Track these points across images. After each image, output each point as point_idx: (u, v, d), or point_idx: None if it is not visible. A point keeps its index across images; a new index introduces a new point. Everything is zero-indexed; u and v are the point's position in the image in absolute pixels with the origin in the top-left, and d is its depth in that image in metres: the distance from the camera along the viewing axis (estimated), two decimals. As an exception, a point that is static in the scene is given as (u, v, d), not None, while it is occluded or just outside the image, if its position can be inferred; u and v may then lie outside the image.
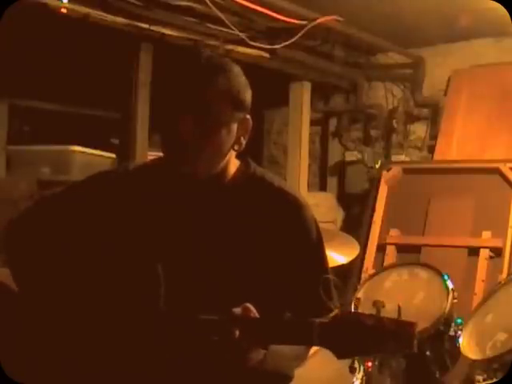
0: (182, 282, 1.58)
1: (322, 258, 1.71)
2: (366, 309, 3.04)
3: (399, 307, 1.42)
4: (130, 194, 1.69)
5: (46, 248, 1.69)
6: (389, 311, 2.68)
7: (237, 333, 1.41)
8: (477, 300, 3.51)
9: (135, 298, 1.55)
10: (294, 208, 1.66)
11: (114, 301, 1.57)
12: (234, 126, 1.59)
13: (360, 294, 3.21)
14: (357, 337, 1.36)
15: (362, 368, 2.78)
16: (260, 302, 1.49)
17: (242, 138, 1.62)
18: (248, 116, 1.63)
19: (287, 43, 4.01)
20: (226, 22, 3.63)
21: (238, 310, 1.45)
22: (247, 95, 1.62)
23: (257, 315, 1.47)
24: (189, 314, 1.49)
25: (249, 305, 1.46)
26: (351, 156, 5.20)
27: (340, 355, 1.39)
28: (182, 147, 1.54)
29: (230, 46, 3.89)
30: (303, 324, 1.44)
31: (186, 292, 1.57)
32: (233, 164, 1.67)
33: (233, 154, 1.65)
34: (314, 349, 2.29)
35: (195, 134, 1.53)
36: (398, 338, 1.33)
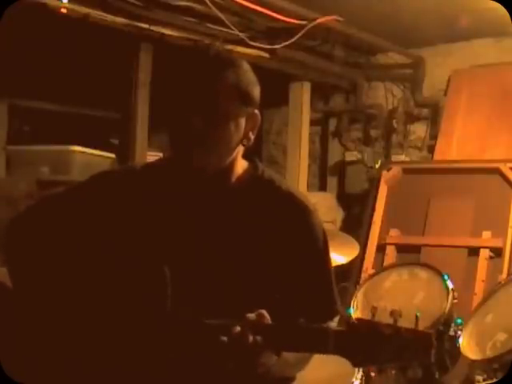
0: (188, 283, 1.57)
1: (328, 264, 1.71)
2: (366, 309, 3.04)
3: (417, 317, 1.42)
4: (136, 194, 1.69)
5: (49, 248, 1.69)
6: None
7: (250, 338, 1.40)
8: (477, 300, 3.51)
9: (141, 298, 1.54)
10: (302, 213, 1.67)
11: (119, 302, 1.56)
12: (243, 121, 1.60)
13: (360, 294, 3.21)
14: (373, 346, 1.35)
15: (361, 368, 2.78)
16: (267, 304, 1.49)
17: (250, 133, 1.63)
18: (257, 111, 1.63)
19: (287, 43, 4.01)
20: (226, 22, 3.63)
21: (252, 316, 1.44)
22: (256, 90, 1.63)
23: (270, 322, 1.46)
24: (198, 317, 1.48)
25: (263, 311, 1.46)
26: (351, 156, 5.20)
27: (356, 364, 1.39)
28: (191, 141, 1.55)
29: (229, 46, 3.89)
30: (319, 331, 1.43)
31: (193, 293, 1.56)
32: (240, 163, 1.67)
33: (240, 150, 1.65)
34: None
35: (204, 128, 1.54)
36: (415, 348, 1.33)
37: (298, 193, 1.72)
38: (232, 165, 1.64)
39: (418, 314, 1.42)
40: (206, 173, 1.60)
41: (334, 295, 1.69)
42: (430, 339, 1.34)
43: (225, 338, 1.42)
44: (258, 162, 1.72)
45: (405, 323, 1.75)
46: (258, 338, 1.41)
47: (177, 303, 1.52)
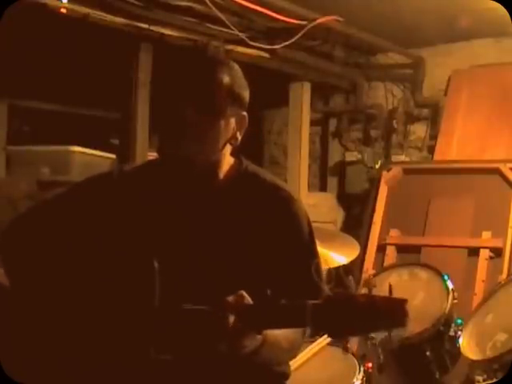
0: (177, 276, 1.59)
1: (313, 250, 1.76)
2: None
3: (390, 286, 1.44)
4: (127, 195, 1.73)
5: (44, 249, 1.71)
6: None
7: (231, 319, 1.43)
8: (477, 300, 3.51)
9: (131, 294, 1.56)
10: (285, 202, 1.73)
11: (112, 300, 1.58)
12: (233, 121, 1.67)
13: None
14: (350, 316, 1.37)
15: (362, 368, 2.79)
16: (255, 294, 1.51)
17: (238, 134, 1.69)
18: (245, 113, 1.70)
19: (287, 43, 4.01)
20: (226, 22, 3.63)
21: (231, 298, 1.47)
22: (246, 94, 1.70)
23: (250, 302, 1.49)
24: (182, 306, 1.50)
25: (242, 292, 1.49)
26: (351, 156, 5.19)
27: (334, 335, 1.41)
28: (181, 132, 1.60)
29: (230, 46, 3.88)
30: (296, 306, 1.45)
31: (181, 286, 1.58)
32: (227, 161, 1.73)
33: (228, 149, 1.71)
34: (313, 350, 2.31)
35: (196, 121, 1.59)
36: (391, 315, 1.35)
37: (281, 183, 1.79)
38: (219, 162, 1.70)
39: (390, 283, 1.43)
40: (193, 168, 1.63)
41: (320, 282, 1.72)
42: (404, 306, 1.35)
43: (206, 322, 1.45)
44: (242, 158, 1.77)
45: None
46: (238, 319, 1.43)
47: (166, 296, 1.54)
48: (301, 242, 1.73)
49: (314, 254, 1.75)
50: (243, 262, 1.65)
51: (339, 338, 1.39)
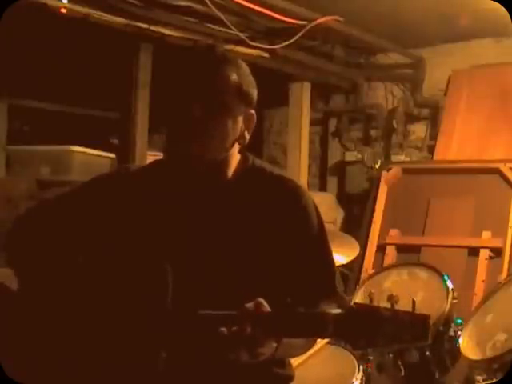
0: (189, 277, 1.59)
1: (325, 242, 1.75)
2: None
3: (413, 301, 1.44)
4: (134, 195, 1.71)
5: (50, 250, 1.71)
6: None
7: (248, 329, 1.42)
8: (477, 300, 3.51)
9: (142, 296, 1.55)
10: (294, 194, 1.72)
11: (120, 301, 1.57)
12: (240, 119, 1.66)
13: (359, 294, 3.21)
14: (372, 329, 1.37)
15: (361, 368, 2.79)
16: (268, 292, 1.51)
17: (246, 133, 1.68)
18: (253, 111, 1.69)
19: (287, 43, 4.01)
20: (226, 22, 3.62)
21: (250, 306, 1.46)
22: (254, 92, 1.70)
23: (269, 310, 1.48)
24: (198, 310, 1.49)
25: (261, 300, 1.48)
26: (351, 156, 5.20)
27: (355, 347, 1.41)
28: (189, 130, 1.59)
29: (229, 46, 3.88)
30: (318, 316, 1.45)
31: (194, 288, 1.58)
32: (235, 159, 1.72)
33: (236, 149, 1.70)
34: (312, 350, 2.28)
35: (203, 119, 1.59)
36: (413, 330, 1.35)
37: (289, 176, 1.78)
38: (228, 162, 1.69)
39: (414, 299, 1.45)
40: (201, 167, 1.63)
41: (333, 273, 1.73)
42: (427, 321, 1.35)
43: (224, 330, 1.44)
44: (247, 153, 1.76)
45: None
46: (257, 327, 1.42)
47: (179, 299, 1.52)
48: (311, 234, 1.71)
49: (325, 247, 1.74)
50: (254, 259, 1.64)
51: (360, 350, 1.38)
